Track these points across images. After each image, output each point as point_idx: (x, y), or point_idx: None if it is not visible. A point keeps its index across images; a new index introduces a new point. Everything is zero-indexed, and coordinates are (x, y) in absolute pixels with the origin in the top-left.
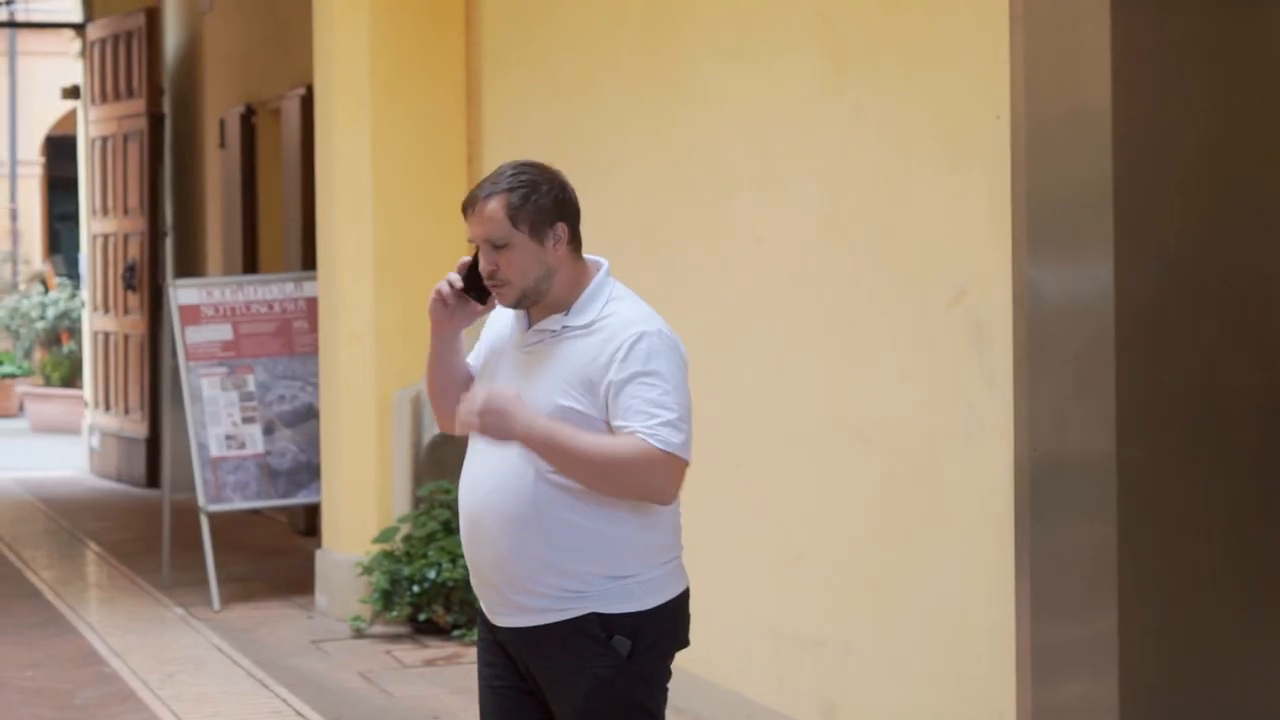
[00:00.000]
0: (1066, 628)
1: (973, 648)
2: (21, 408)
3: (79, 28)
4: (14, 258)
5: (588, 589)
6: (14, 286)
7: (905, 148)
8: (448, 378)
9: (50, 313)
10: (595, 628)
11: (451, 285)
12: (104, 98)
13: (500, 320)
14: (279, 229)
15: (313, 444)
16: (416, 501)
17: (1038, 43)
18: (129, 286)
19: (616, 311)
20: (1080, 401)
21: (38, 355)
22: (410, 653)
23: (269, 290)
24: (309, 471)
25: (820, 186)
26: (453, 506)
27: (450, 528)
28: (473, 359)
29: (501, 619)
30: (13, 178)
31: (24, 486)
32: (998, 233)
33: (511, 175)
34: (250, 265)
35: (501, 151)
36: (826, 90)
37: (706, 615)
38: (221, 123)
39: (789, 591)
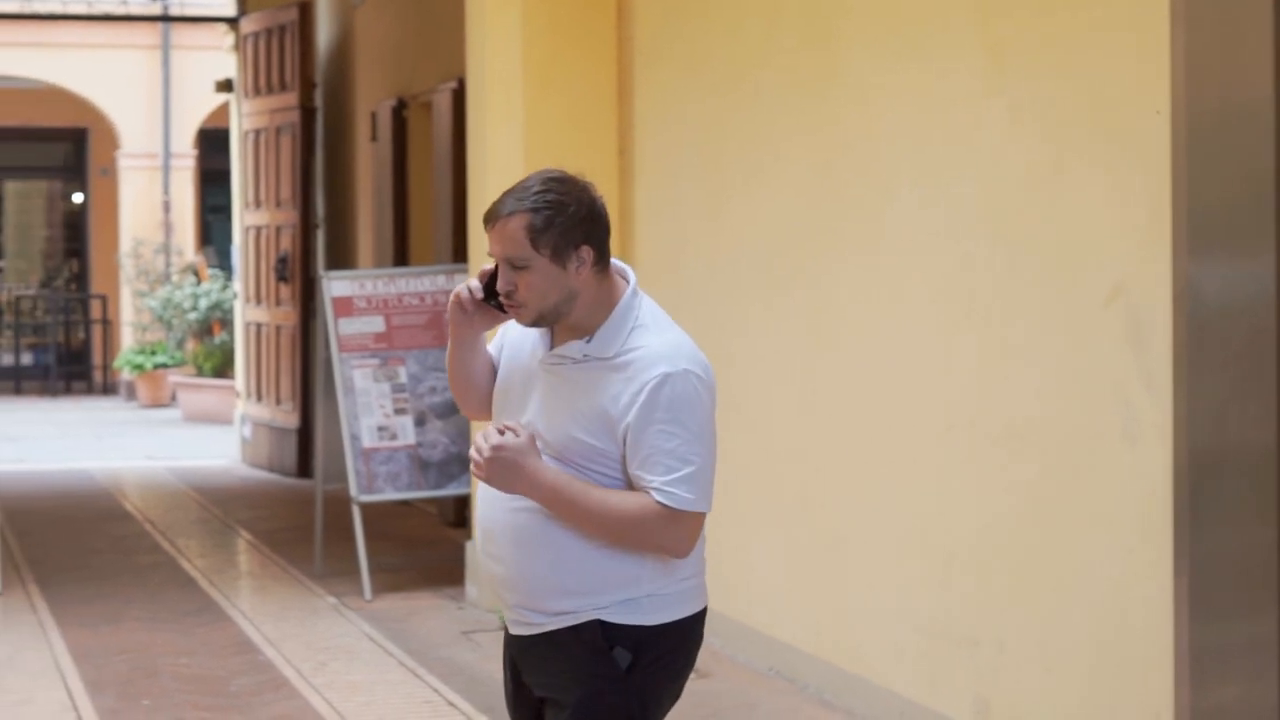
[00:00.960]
0: (1225, 629)
1: (1129, 648)
2: (174, 398)
3: (232, 22)
4: (167, 249)
5: (596, 601)
6: (167, 278)
7: (1063, 144)
8: (468, 377)
9: (202, 304)
10: (597, 635)
11: (471, 293)
12: (257, 91)
13: (526, 330)
14: (429, 221)
15: (463, 435)
16: None
17: (1198, 37)
18: (281, 278)
19: (643, 344)
20: (1240, 401)
21: (190, 346)
22: None
23: (420, 282)
24: (459, 463)
25: (977, 184)
26: None
27: None
28: (493, 348)
29: (513, 628)
30: (166, 170)
31: (177, 475)
32: (1156, 229)
33: (537, 193)
34: (401, 257)
35: (654, 145)
36: (984, 88)
37: (860, 612)
38: (373, 115)
39: (942, 589)
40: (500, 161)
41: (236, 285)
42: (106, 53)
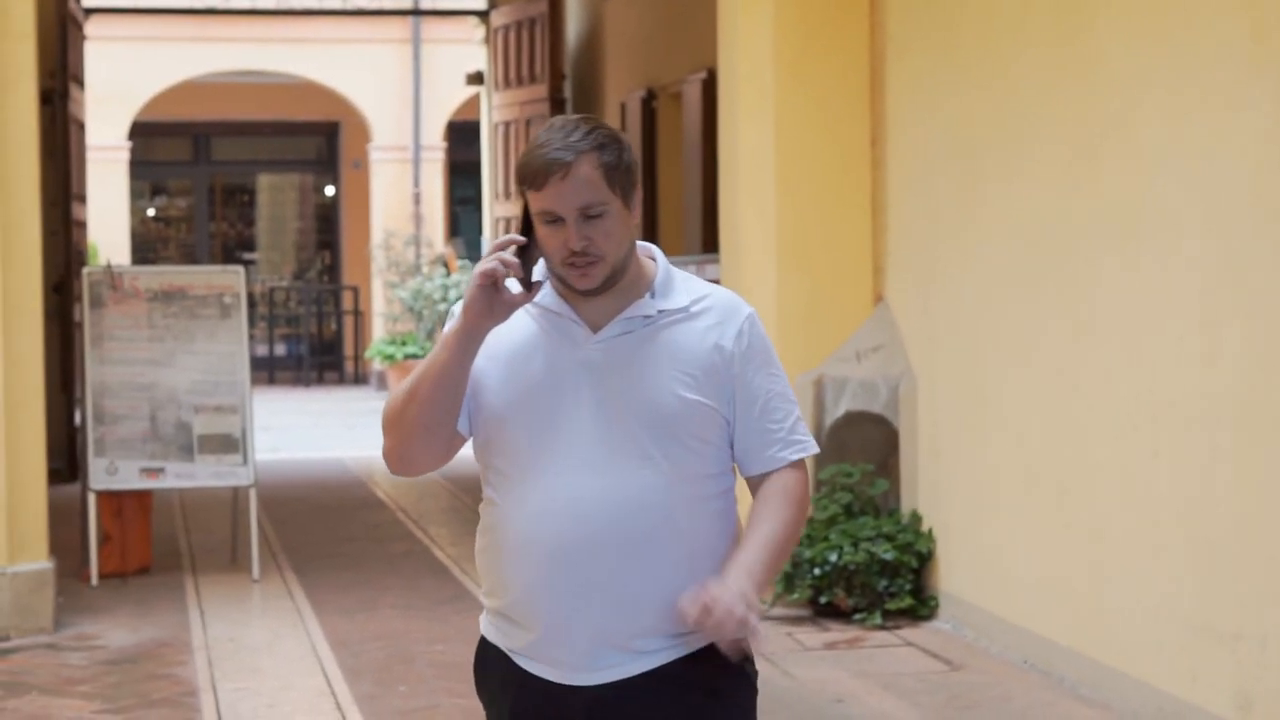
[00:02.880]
0: None
1: None
2: None
3: (483, 15)
4: (417, 241)
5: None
6: (417, 269)
7: None
8: (453, 402)
9: (452, 295)
10: (721, 655)
11: (507, 264)
12: (507, 83)
13: (512, 332)
14: (678, 212)
15: None
16: (818, 485)
17: None
18: None
19: (707, 291)
20: None
21: (439, 336)
22: (811, 635)
23: None
24: None
25: (1242, 168)
26: (850, 489)
27: (851, 510)
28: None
29: (585, 676)
30: (416, 162)
31: None
32: None
33: (590, 132)
34: None
35: (907, 136)
36: (1248, 65)
37: (1119, 606)
38: (622, 106)
39: (1204, 582)
40: (751, 154)
41: None
42: (358, 47)
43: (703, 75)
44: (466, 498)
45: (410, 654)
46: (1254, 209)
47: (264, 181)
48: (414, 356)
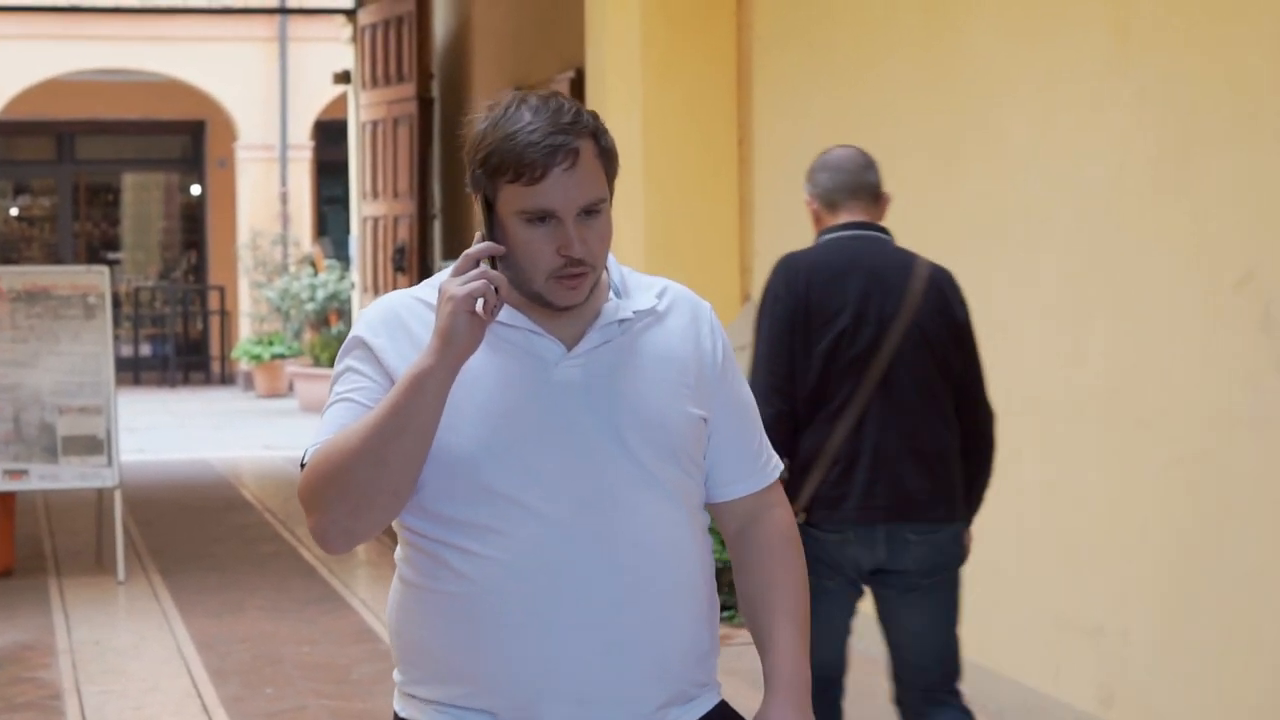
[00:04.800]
0: None
1: (1260, 639)
2: (291, 388)
3: (350, 13)
4: (284, 240)
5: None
6: (284, 268)
7: (1193, 125)
8: (426, 454)
9: (319, 294)
10: (729, 710)
11: (496, 283)
12: (374, 82)
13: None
14: None
15: None
16: None
17: None
18: (398, 269)
19: (663, 282)
20: None
21: (307, 336)
22: None
23: None
24: None
25: (1105, 167)
26: None
27: None
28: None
29: None
30: (283, 161)
31: (294, 465)
32: None
33: (579, 112)
34: None
35: (774, 133)
36: (1111, 67)
37: (986, 602)
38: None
39: (1069, 578)
40: (619, 151)
41: (354, 275)
42: (224, 46)
43: (571, 73)
44: None
45: (278, 655)
46: (1117, 207)
47: (129, 180)
48: (281, 356)
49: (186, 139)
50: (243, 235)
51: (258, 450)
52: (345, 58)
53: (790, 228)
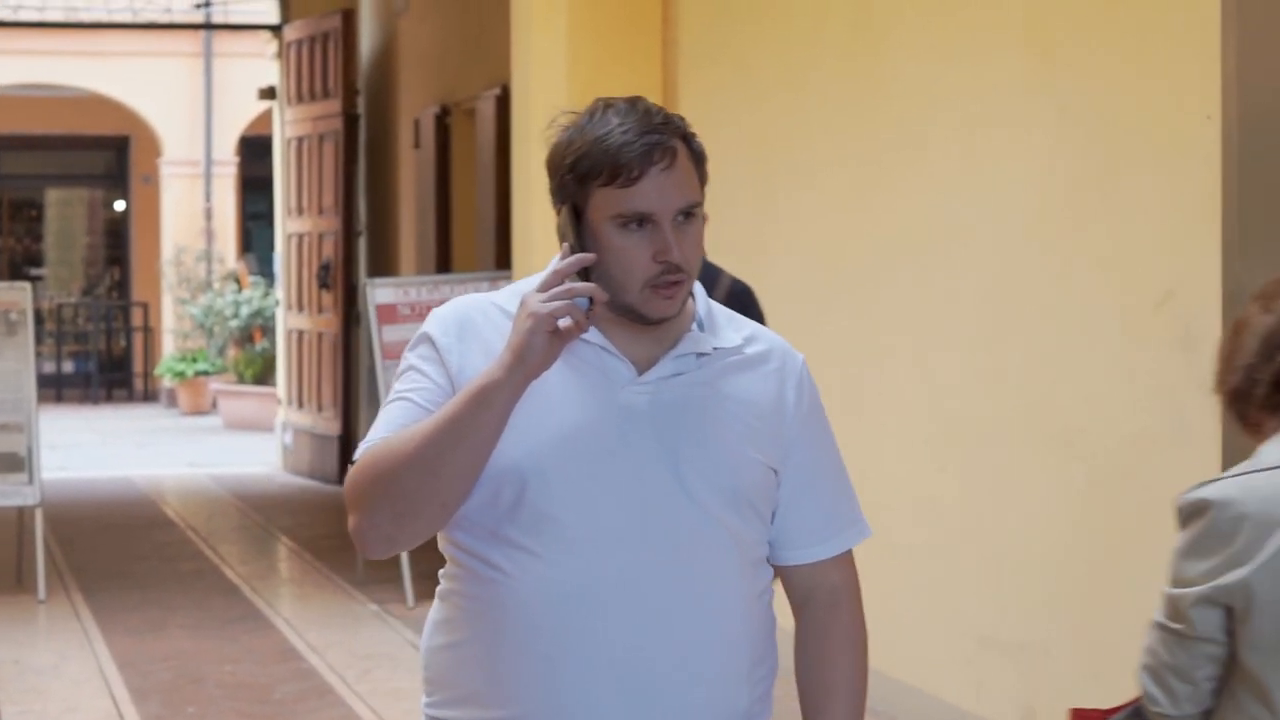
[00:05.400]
0: None
1: None
2: (215, 405)
3: (275, 29)
4: (208, 256)
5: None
6: (208, 285)
7: (1113, 147)
8: (481, 461)
9: (243, 311)
10: None
11: (592, 297)
12: (300, 98)
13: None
14: (472, 229)
15: None
16: None
17: (1250, 41)
18: (323, 285)
19: (757, 328)
20: None
21: (231, 353)
22: None
23: (464, 290)
24: None
25: (1027, 186)
26: None
27: None
28: (430, 414)
29: None
30: (208, 177)
31: (218, 483)
32: (1207, 233)
33: (666, 114)
34: (443, 265)
35: None
36: (1034, 89)
37: (906, 618)
38: (416, 123)
39: (990, 595)
40: (544, 171)
41: (278, 292)
42: (149, 61)
43: (497, 91)
44: (257, 516)
45: (199, 674)
46: (1039, 226)
47: (52, 196)
48: (205, 373)
49: (111, 154)
50: (167, 251)
51: (181, 468)
52: (270, 73)
53: (713, 240)
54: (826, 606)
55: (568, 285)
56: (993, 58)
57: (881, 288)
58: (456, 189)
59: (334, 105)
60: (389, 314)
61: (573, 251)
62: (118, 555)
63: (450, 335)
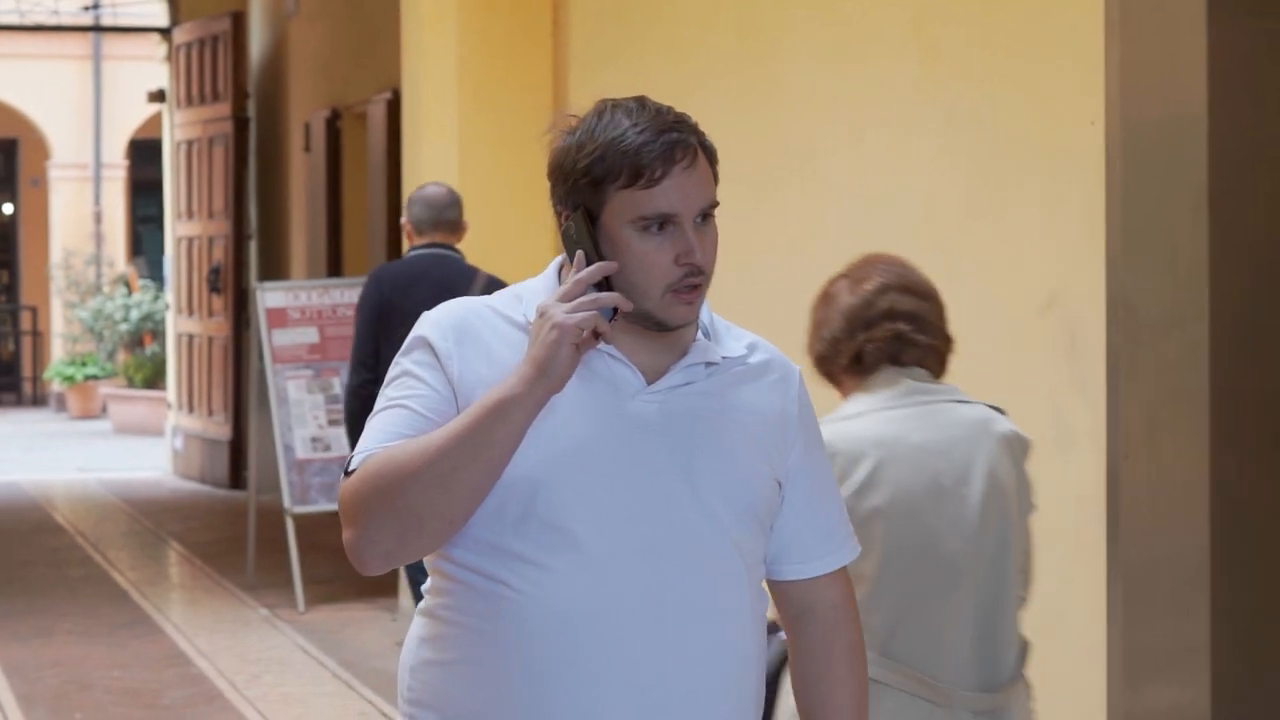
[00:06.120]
0: (1158, 635)
1: (1063, 653)
2: (105, 409)
3: (165, 32)
4: (98, 260)
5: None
6: (98, 289)
7: (999, 153)
8: (495, 478)
9: (133, 315)
10: None
11: (616, 306)
12: (189, 101)
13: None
14: (363, 232)
15: None
16: None
17: (1133, 49)
18: (213, 289)
19: (755, 337)
20: (1172, 409)
21: (121, 357)
22: None
23: (355, 294)
24: None
25: (914, 191)
26: None
27: None
28: (438, 427)
29: None
30: (97, 180)
31: (107, 487)
32: (1091, 239)
33: (678, 114)
34: (334, 269)
35: None
36: (921, 91)
37: None
38: (306, 126)
39: None
40: (434, 174)
41: (168, 296)
42: (37, 63)
43: (387, 95)
44: (147, 521)
45: (88, 680)
46: (928, 231)
47: None
48: (94, 377)
49: None
50: (56, 255)
51: (70, 472)
52: (160, 76)
53: None
54: (829, 623)
55: (593, 295)
56: (881, 63)
57: (775, 296)
58: (347, 193)
59: (224, 108)
60: (279, 318)
61: (588, 259)
62: (4, 561)
63: (449, 340)
